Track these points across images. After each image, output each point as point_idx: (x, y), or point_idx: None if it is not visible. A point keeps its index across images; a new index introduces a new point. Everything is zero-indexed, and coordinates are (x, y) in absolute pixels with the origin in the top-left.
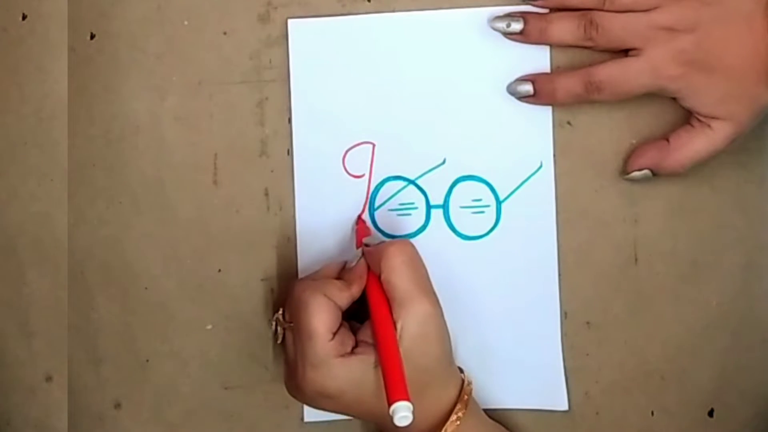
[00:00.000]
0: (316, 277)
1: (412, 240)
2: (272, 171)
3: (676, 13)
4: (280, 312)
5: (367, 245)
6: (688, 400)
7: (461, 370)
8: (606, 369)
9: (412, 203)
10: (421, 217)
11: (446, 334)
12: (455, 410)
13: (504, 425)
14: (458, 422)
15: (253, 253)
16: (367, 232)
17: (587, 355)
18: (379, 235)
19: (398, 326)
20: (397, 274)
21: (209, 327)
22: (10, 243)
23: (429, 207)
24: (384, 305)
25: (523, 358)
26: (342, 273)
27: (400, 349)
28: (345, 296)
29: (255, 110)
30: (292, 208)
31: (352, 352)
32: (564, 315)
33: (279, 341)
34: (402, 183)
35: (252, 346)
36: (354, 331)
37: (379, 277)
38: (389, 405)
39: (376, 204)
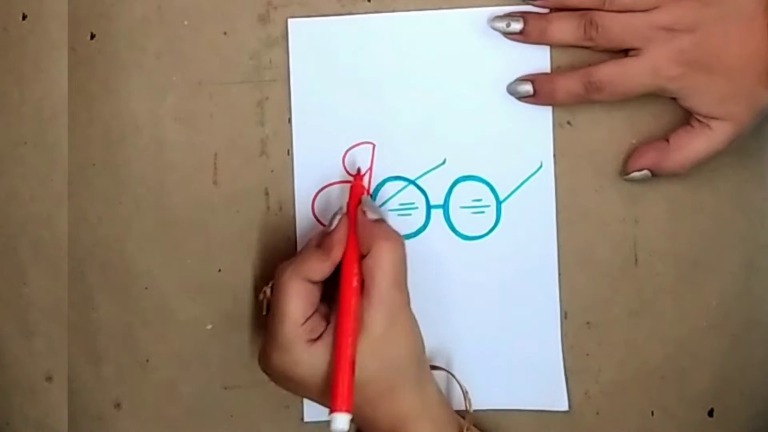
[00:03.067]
0: (297, 254)
1: (412, 240)
2: (272, 171)
3: (676, 13)
4: (270, 285)
5: (363, 212)
6: (688, 400)
7: (463, 417)
8: (606, 369)
9: (412, 203)
10: (421, 217)
11: (417, 335)
12: None
13: (504, 425)
14: None
15: (253, 253)
16: (362, 191)
17: (587, 355)
18: (373, 202)
19: (366, 319)
20: (381, 269)
21: (209, 327)
22: (10, 243)
23: (429, 207)
24: (353, 297)
25: (523, 358)
26: (322, 238)
27: (366, 348)
28: (325, 266)
29: (255, 110)
30: (292, 208)
31: (320, 338)
32: (564, 315)
33: (264, 313)
34: (402, 183)
35: (252, 346)
36: (328, 309)
37: (362, 253)
38: (330, 412)
39: (377, 204)
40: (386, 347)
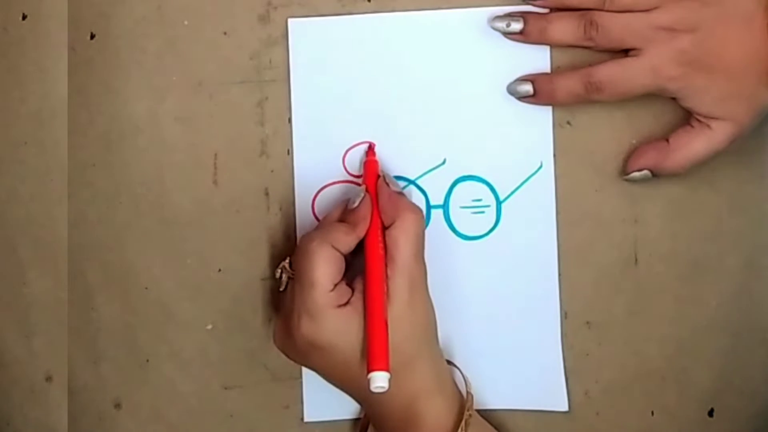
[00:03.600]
0: (320, 226)
1: None
2: (272, 171)
3: (676, 14)
4: (287, 260)
5: (386, 183)
6: (688, 400)
7: (466, 386)
8: (606, 369)
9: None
10: None
11: (432, 308)
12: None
13: (504, 425)
14: None
15: (253, 253)
16: (377, 165)
17: (587, 355)
18: (393, 177)
19: (391, 287)
20: (407, 238)
21: (209, 327)
22: (10, 243)
23: (429, 207)
24: (380, 262)
25: (523, 358)
26: (345, 214)
27: (391, 316)
28: (350, 240)
29: (255, 110)
30: (292, 208)
31: (348, 303)
32: (564, 315)
33: (282, 289)
34: (402, 183)
35: (252, 346)
36: (349, 279)
37: (385, 224)
38: (368, 372)
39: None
40: (409, 316)
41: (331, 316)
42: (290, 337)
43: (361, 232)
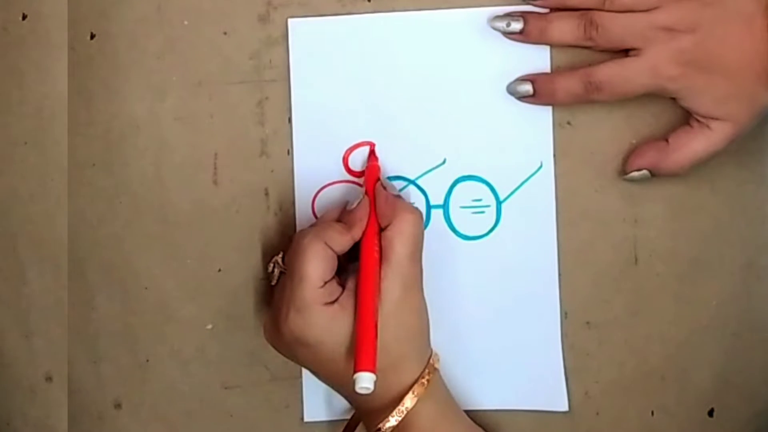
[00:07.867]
0: (317, 224)
1: None
2: (272, 171)
3: (676, 14)
4: (280, 255)
5: (383, 186)
6: (688, 400)
7: (431, 359)
8: (606, 369)
9: (412, 203)
10: None
11: (425, 310)
12: (414, 387)
13: (504, 425)
14: (416, 397)
15: (252, 252)
16: (378, 171)
17: (587, 355)
18: (390, 181)
19: (383, 287)
20: (402, 239)
21: (209, 327)
22: (10, 243)
23: (429, 207)
24: (374, 264)
25: (523, 358)
26: (342, 214)
27: (381, 314)
28: (345, 240)
29: (255, 110)
30: (292, 208)
31: (337, 301)
32: (564, 315)
33: (273, 283)
34: (402, 183)
35: (252, 346)
36: (343, 280)
37: (382, 226)
38: (354, 372)
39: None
40: (400, 316)
41: (317, 313)
42: (278, 332)
43: (356, 233)
